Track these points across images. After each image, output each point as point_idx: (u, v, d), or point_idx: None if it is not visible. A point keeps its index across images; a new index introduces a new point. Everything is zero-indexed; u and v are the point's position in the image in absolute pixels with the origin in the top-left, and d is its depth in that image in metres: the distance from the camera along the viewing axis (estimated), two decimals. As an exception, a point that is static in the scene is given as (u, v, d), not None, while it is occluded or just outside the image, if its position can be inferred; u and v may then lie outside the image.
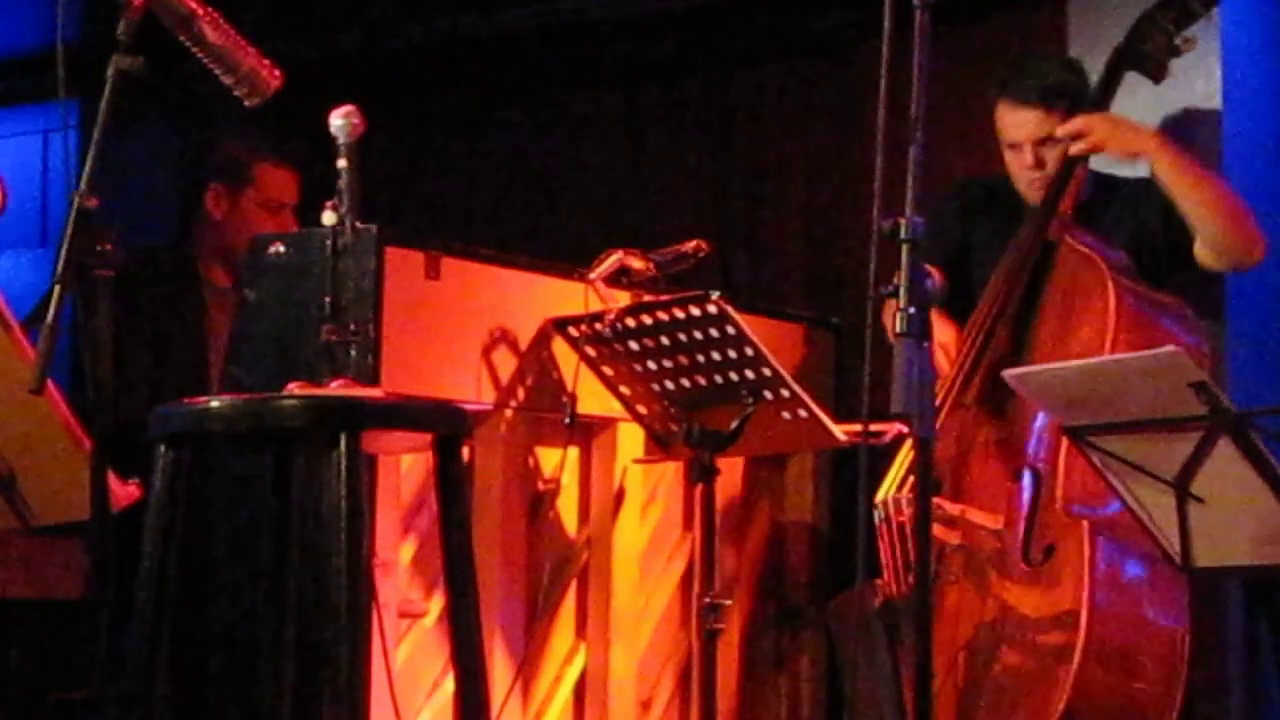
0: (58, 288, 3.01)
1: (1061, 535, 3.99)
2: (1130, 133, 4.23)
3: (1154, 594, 3.97)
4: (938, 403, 4.16)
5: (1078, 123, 4.23)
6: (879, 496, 4.09)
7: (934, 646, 3.00)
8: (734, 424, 3.93)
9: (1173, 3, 4.24)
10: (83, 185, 3.06)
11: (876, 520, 4.06)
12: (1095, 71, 4.39)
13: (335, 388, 3.35)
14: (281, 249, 3.81)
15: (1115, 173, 4.46)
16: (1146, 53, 4.25)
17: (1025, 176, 4.36)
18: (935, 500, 4.13)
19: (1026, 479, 4.09)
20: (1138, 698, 3.92)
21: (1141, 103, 4.49)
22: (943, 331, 4.23)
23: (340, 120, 3.43)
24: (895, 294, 2.91)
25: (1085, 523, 3.94)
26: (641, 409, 4.10)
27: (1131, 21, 4.34)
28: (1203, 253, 4.22)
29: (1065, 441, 3.86)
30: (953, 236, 4.48)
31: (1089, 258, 4.13)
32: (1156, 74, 4.25)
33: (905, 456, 4.10)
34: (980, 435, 4.22)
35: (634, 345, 3.99)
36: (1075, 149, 4.25)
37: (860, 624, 4.01)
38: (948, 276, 4.42)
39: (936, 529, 4.11)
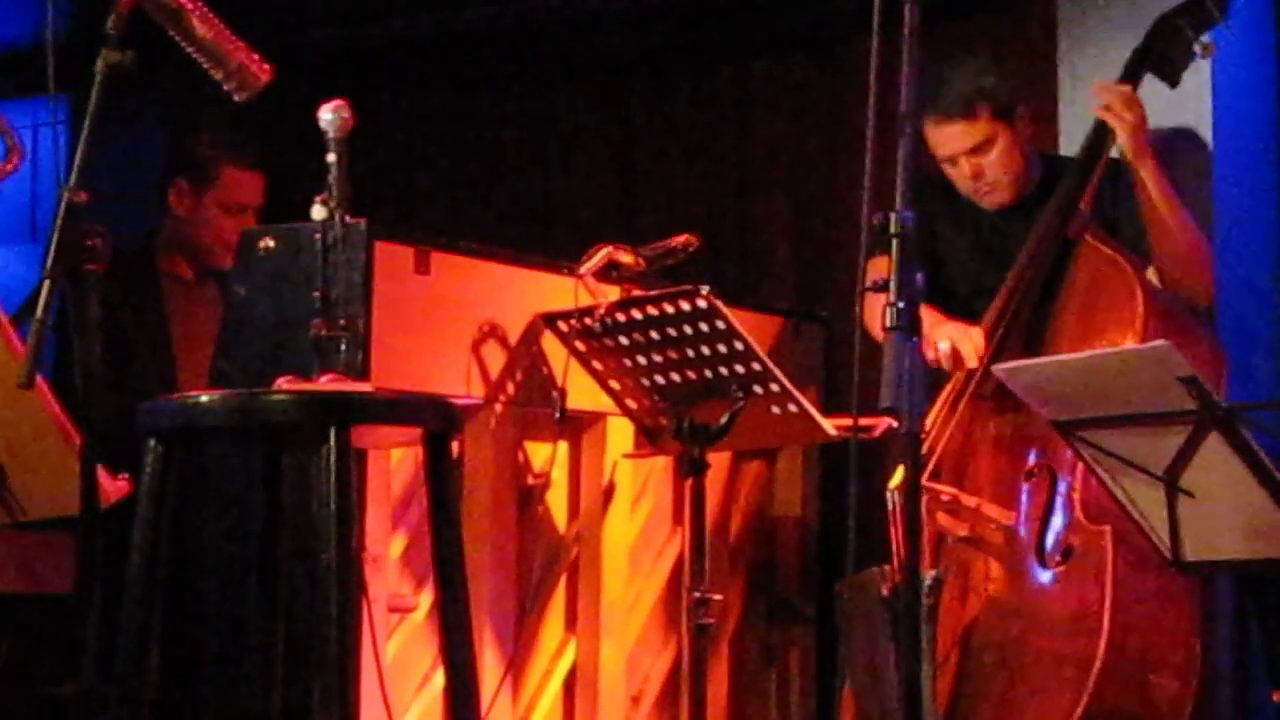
0: (47, 282, 3.01)
1: (1082, 539, 3.97)
2: (1141, 142, 4.20)
3: (1171, 602, 3.96)
4: (953, 394, 4.17)
5: (1119, 96, 4.19)
6: (891, 485, 4.07)
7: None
8: (724, 418, 3.93)
9: (1191, 7, 4.21)
10: (72, 180, 3.06)
11: (889, 507, 4.04)
12: (1082, 69, 4.38)
13: (325, 382, 3.35)
14: (271, 244, 3.81)
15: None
16: (1167, 56, 4.22)
17: (969, 188, 4.35)
18: (952, 491, 4.13)
19: (1043, 477, 4.08)
20: (1153, 704, 3.91)
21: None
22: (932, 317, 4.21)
23: (330, 115, 3.43)
24: (884, 288, 2.91)
25: (1108, 528, 3.93)
26: (631, 403, 4.10)
27: (1120, 16, 4.33)
28: (1156, 275, 4.21)
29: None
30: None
31: (1114, 260, 4.11)
32: (1173, 78, 4.23)
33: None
34: (990, 428, 4.20)
35: (623, 340, 3.99)
36: (1102, 115, 4.23)
37: (867, 609, 3.99)
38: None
39: (944, 519, 4.11)
